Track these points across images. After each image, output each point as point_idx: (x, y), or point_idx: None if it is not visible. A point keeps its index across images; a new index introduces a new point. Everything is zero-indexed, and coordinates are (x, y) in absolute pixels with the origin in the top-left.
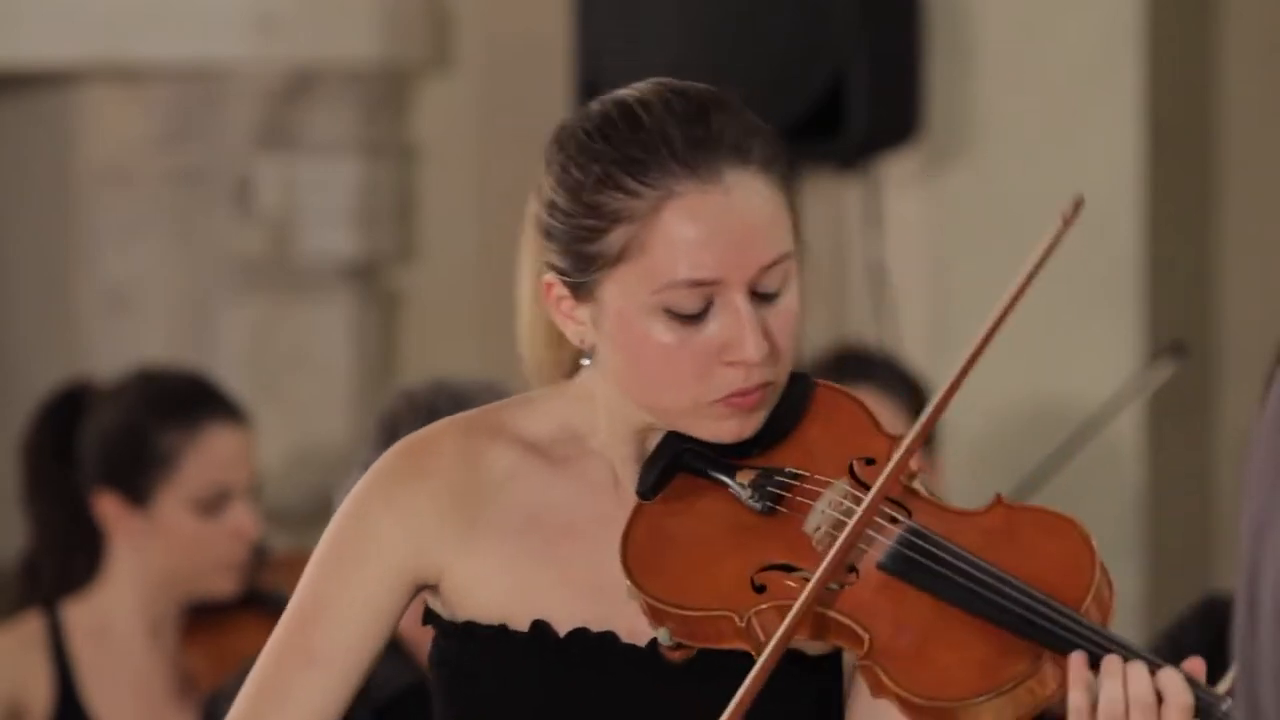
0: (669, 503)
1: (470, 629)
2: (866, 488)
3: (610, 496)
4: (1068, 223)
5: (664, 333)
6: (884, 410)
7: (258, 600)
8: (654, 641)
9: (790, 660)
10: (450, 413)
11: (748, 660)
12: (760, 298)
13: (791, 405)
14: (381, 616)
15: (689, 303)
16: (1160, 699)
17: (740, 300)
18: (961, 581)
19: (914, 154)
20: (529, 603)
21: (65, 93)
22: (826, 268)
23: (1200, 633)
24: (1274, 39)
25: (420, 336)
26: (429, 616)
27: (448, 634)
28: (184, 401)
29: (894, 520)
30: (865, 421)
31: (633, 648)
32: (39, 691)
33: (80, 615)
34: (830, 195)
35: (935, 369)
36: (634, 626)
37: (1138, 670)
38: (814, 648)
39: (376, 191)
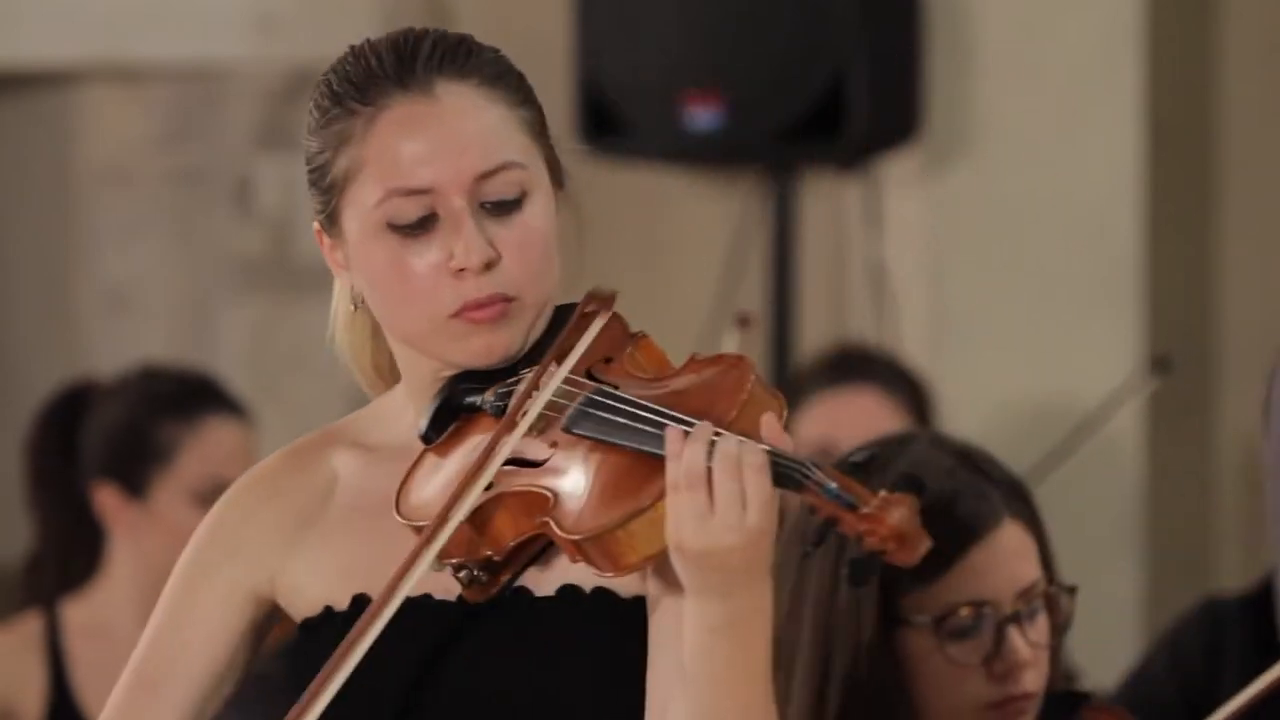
0: (449, 441)
1: (304, 625)
2: (591, 377)
3: None
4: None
5: (394, 247)
6: (884, 410)
7: None
8: (461, 597)
9: (599, 603)
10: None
11: (553, 603)
12: (491, 210)
13: (556, 332)
14: (225, 643)
15: (409, 212)
16: (739, 462)
17: (460, 206)
18: (620, 421)
19: (914, 154)
20: (351, 582)
21: (65, 93)
22: (826, 268)
23: (1199, 635)
24: (1274, 39)
25: None
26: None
27: (293, 649)
28: (184, 395)
29: (580, 389)
30: (619, 329)
31: (444, 604)
32: (32, 692)
33: (78, 614)
34: (830, 195)
35: (935, 369)
36: (448, 585)
37: (724, 441)
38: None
39: None
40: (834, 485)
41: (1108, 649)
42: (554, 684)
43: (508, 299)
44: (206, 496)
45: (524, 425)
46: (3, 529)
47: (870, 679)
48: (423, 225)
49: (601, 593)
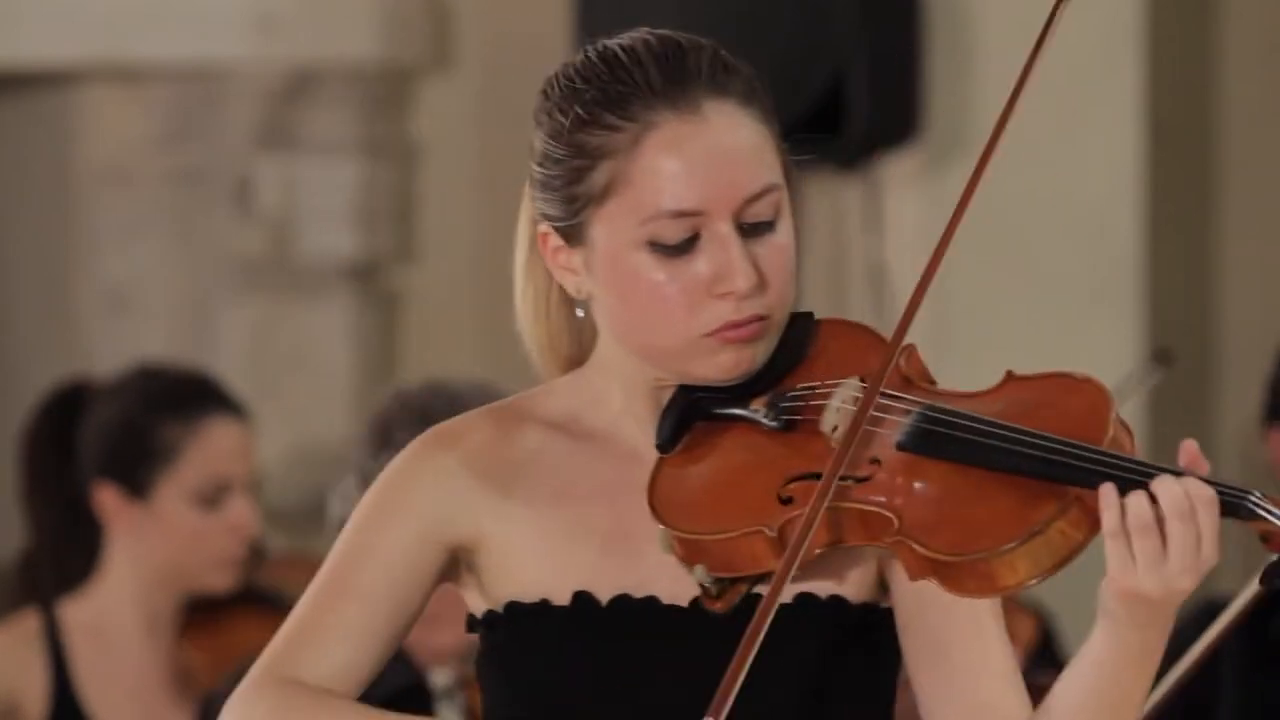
0: (690, 450)
1: (513, 610)
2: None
3: (636, 462)
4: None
5: (652, 267)
6: None
7: (256, 598)
8: (696, 601)
9: (835, 610)
10: (444, 414)
11: (792, 607)
12: (749, 230)
13: (796, 342)
14: (416, 572)
15: (673, 234)
16: (1191, 504)
17: (726, 230)
18: (979, 440)
19: (914, 154)
20: (568, 575)
21: (65, 93)
22: (826, 268)
23: (1198, 637)
24: (1274, 39)
25: (420, 336)
26: (471, 623)
27: (492, 625)
28: (184, 395)
29: (905, 402)
30: (870, 338)
31: (675, 608)
32: (34, 689)
33: (77, 612)
34: (830, 195)
35: (936, 369)
36: (674, 588)
37: (1164, 481)
38: (857, 584)
39: (376, 191)
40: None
41: None
42: (796, 690)
43: (763, 318)
44: (207, 496)
45: (853, 445)
46: (3, 529)
47: None
48: (686, 245)
49: (836, 600)
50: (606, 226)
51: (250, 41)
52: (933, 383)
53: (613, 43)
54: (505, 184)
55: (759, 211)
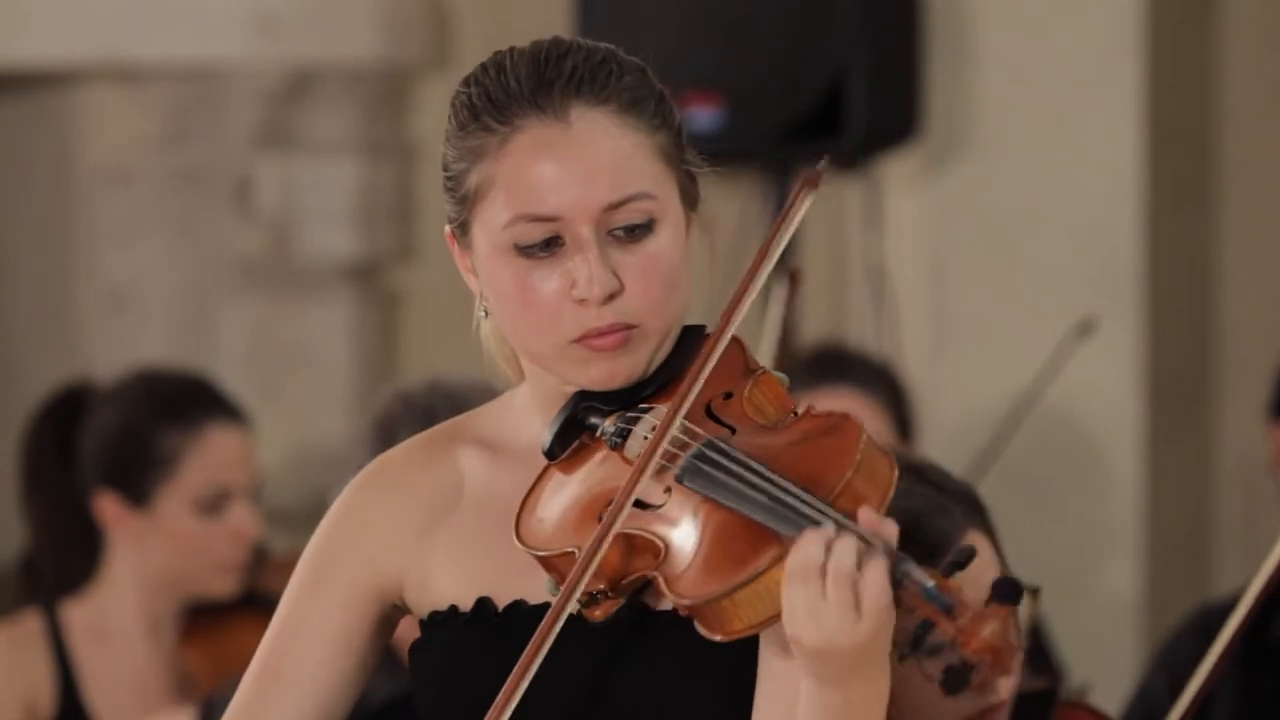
0: (572, 459)
1: (430, 619)
2: (711, 417)
3: None
4: (806, 187)
5: (517, 270)
6: (862, 411)
7: (257, 601)
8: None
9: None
10: (447, 413)
11: (673, 619)
12: (619, 237)
13: (683, 354)
14: (349, 638)
15: (535, 236)
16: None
17: (586, 235)
18: (731, 482)
19: (914, 154)
20: (477, 585)
21: (65, 93)
22: (826, 268)
23: (1195, 645)
24: (1274, 39)
25: (420, 336)
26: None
27: (419, 635)
28: (185, 402)
29: (695, 438)
30: (740, 359)
31: (567, 616)
32: (44, 690)
33: (79, 615)
34: (830, 195)
35: (935, 369)
36: None
37: (843, 539)
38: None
39: (376, 191)
40: (932, 585)
41: (1107, 649)
42: (674, 700)
43: (629, 327)
44: (208, 504)
45: (649, 472)
46: (2, 529)
47: None
48: (548, 248)
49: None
50: (481, 229)
51: (250, 41)
52: (784, 410)
53: (507, 50)
54: None
55: (624, 218)
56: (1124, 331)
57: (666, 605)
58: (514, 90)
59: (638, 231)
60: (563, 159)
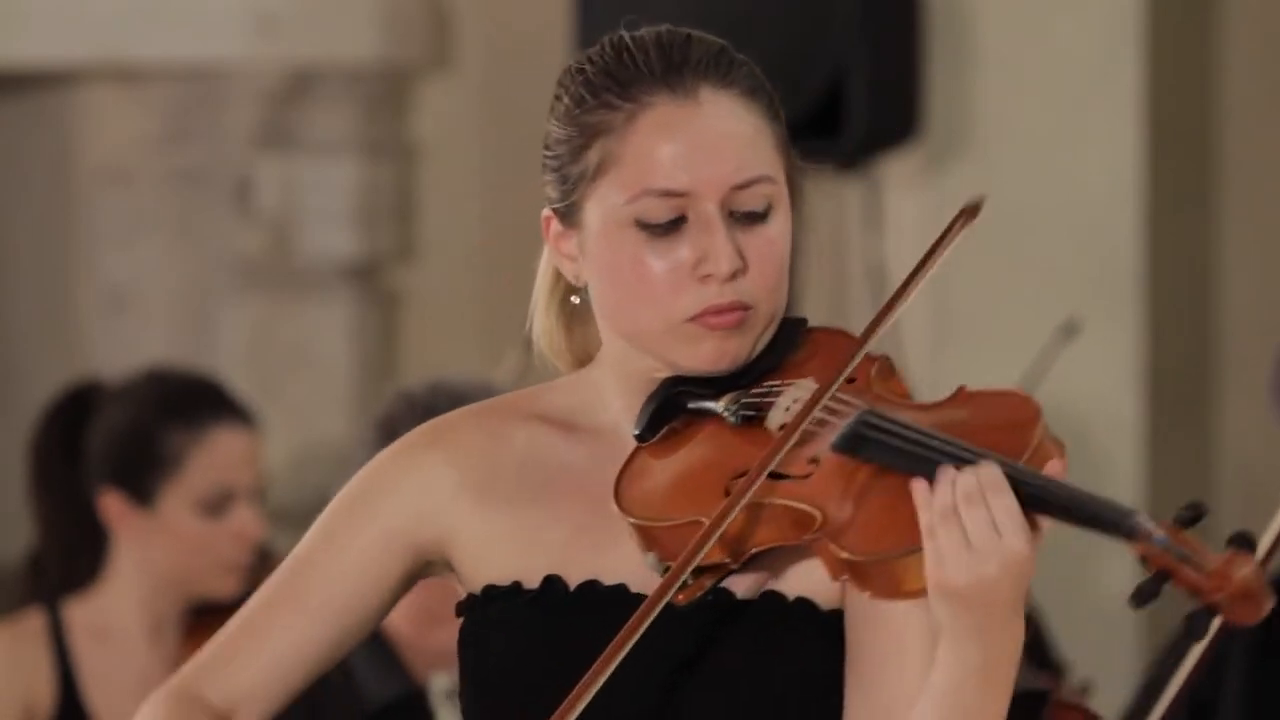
0: (667, 441)
1: (487, 592)
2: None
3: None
4: (965, 218)
5: (638, 245)
6: None
7: None
8: None
9: (801, 612)
10: (449, 412)
11: (756, 604)
12: (739, 219)
13: (784, 344)
14: (376, 578)
15: (660, 213)
16: (979, 488)
17: (713, 213)
18: (899, 445)
19: (914, 154)
20: (541, 560)
21: (65, 93)
22: (826, 268)
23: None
24: (1274, 39)
25: (420, 336)
26: (457, 609)
27: (470, 608)
28: (191, 402)
29: (849, 407)
30: (853, 346)
31: (643, 597)
32: (44, 689)
33: (82, 614)
34: (830, 195)
35: (935, 368)
36: (647, 578)
37: (963, 473)
38: (831, 590)
39: (376, 191)
40: (1164, 536)
41: (1107, 648)
42: (756, 688)
43: (746, 307)
44: (212, 505)
45: (792, 440)
46: (3, 528)
47: None
48: (672, 226)
49: (803, 602)
50: (598, 205)
51: (250, 41)
52: (906, 397)
53: (626, 33)
54: (505, 184)
55: (748, 201)
56: (1124, 331)
57: (750, 594)
58: (642, 68)
59: (756, 216)
60: (694, 136)
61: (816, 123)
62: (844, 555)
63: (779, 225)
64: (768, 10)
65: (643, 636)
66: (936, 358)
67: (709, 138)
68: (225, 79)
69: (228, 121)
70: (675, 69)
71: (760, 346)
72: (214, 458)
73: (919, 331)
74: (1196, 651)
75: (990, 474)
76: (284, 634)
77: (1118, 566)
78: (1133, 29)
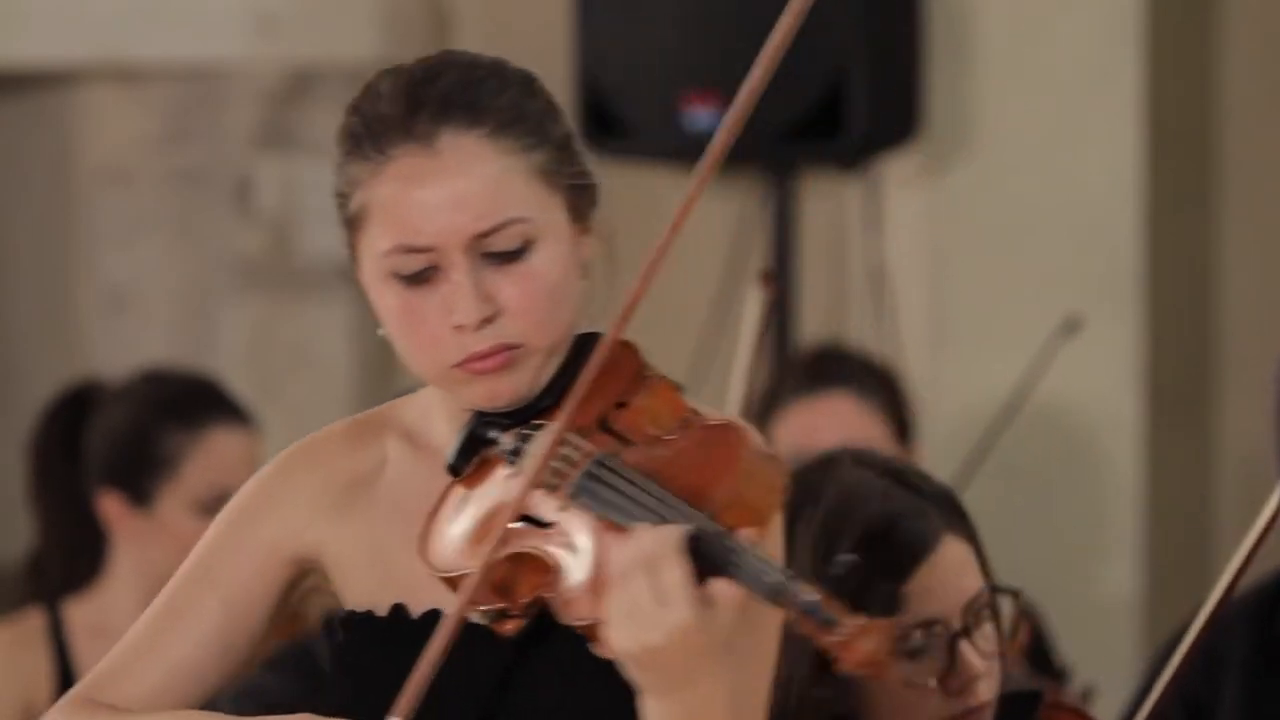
0: (477, 473)
1: (346, 619)
2: (605, 429)
3: None
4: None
5: (399, 296)
6: (860, 416)
7: None
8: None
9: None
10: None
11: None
12: (495, 259)
13: (580, 363)
14: (258, 592)
15: (410, 265)
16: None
17: (458, 261)
18: (618, 500)
19: (914, 154)
20: (393, 588)
21: (65, 93)
22: (826, 268)
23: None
24: (1274, 39)
25: None
26: (323, 626)
27: (330, 632)
28: (189, 403)
29: (586, 454)
30: (632, 366)
31: (477, 627)
32: (44, 689)
33: (81, 614)
34: (830, 195)
35: (935, 368)
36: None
37: (635, 538)
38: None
39: None
40: (813, 600)
41: (1107, 649)
42: (578, 712)
43: (512, 347)
44: (211, 506)
45: (525, 490)
46: (2, 529)
47: (820, 711)
48: (425, 276)
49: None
50: (364, 255)
51: (250, 41)
52: (677, 415)
53: (385, 70)
54: None
55: (499, 242)
56: (1124, 331)
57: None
58: (386, 116)
59: (514, 254)
60: (431, 189)
61: (816, 123)
62: (565, 618)
63: (543, 256)
64: (768, 10)
65: (474, 665)
66: (936, 358)
67: (447, 189)
68: (225, 79)
69: (228, 121)
70: (415, 114)
71: (548, 374)
72: (212, 458)
73: (919, 331)
74: None
75: (662, 541)
76: (176, 648)
77: (1117, 568)
78: (1133, 29)
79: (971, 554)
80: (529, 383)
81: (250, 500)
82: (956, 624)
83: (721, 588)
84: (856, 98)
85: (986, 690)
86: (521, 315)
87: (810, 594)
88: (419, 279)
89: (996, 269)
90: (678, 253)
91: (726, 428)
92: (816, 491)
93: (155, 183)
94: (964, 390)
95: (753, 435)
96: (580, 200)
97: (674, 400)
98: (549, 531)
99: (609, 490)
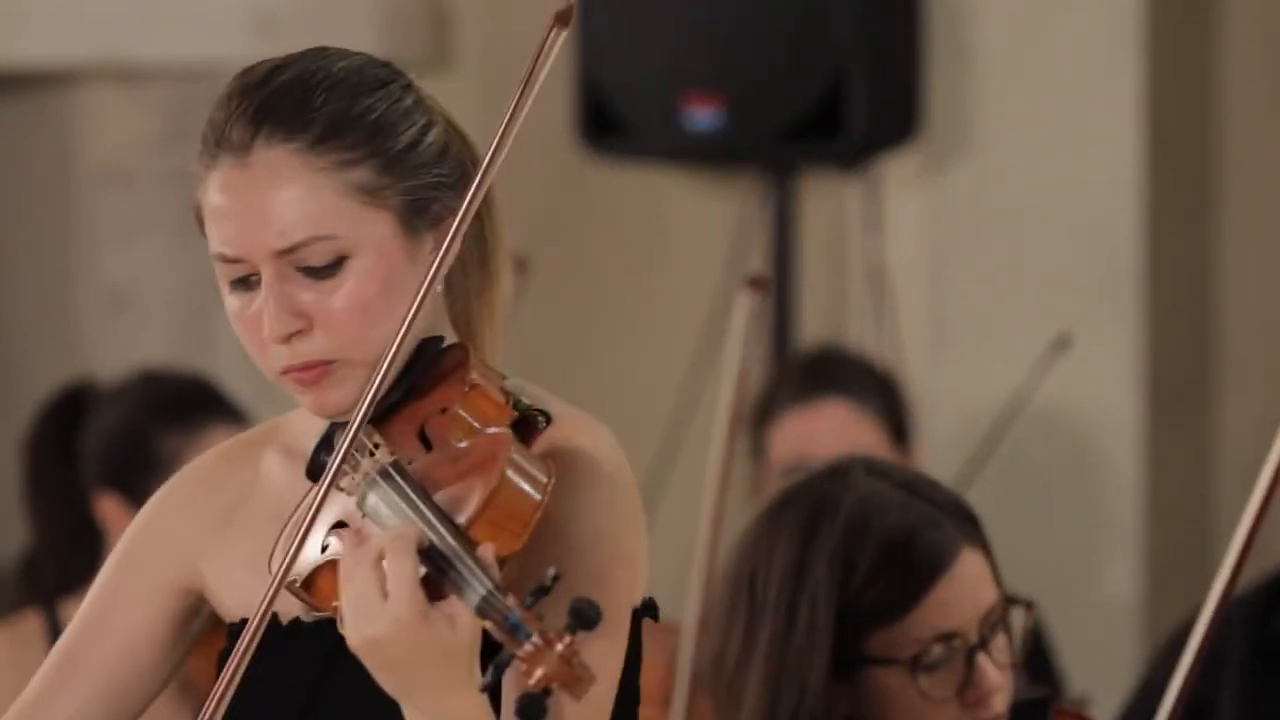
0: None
1: (230, 630)
2: (420, 436)
3: None
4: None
5: (232, 301)
6: (856, 423)
7: None
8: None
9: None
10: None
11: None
12: (307, 273)
13: (419, 370)
14: (150, 630)
15: (231, 273)
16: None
17: (267, 278)
18: (391, 511)
19: (914, 154)
20: (257, 596)
21: (65, 93)
22: (826, 268)
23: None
24: (1274, 39)
25: None
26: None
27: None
28: (185, 403)
29: (376, 465)
30: (461, 373)
31: (302, 626)
32: None
33: None
34: (830, 195)
35: (935, 369)
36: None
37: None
38: None
39: None
40: (515, 614)
41: (1107, 650)
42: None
43: (325, 362)
44: None
45: (317, 494)
46: (1, 528)
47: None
48: (250, 283)
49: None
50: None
51: (250, 41)
52: (469, 432)
53: (245, 68)
54: (504, 184)
55: (307, 258)
56: (1124, 332)
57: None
58: (215, 121)
59: (325, 270)
60: (239, 203)
61: (816, 123)
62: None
63: (358, 272)
64: (768, 10)
65: (339, 670)
66: (936, 358)
67: (252, 204)
68: (225, 79)
69: None
70: (237, 123)
71: (388, 382)
72: None
73: (919, 333)
74: None
75: (395, 539)
76: (73, 696)
77: (1117, 568)
78: (1133, 29)
79: (986, 565)
80: (352, 395)
81: (133, 541)
82: (974, 637)
83: (452, 599)
84: (856, 98)
85: (1001, 702)
86: (335, 331)
87: (513, 610)
88: (245, 285)
89: (996, 269)
90: (678, 253)
91: (495, 440)
92: (833, 503)
93: (155, 183)
94: (964, 390)
95: (515, 450)
96: (411, 211)
97: (487, 409)
98: (344, 533)
99: (389, 495)
